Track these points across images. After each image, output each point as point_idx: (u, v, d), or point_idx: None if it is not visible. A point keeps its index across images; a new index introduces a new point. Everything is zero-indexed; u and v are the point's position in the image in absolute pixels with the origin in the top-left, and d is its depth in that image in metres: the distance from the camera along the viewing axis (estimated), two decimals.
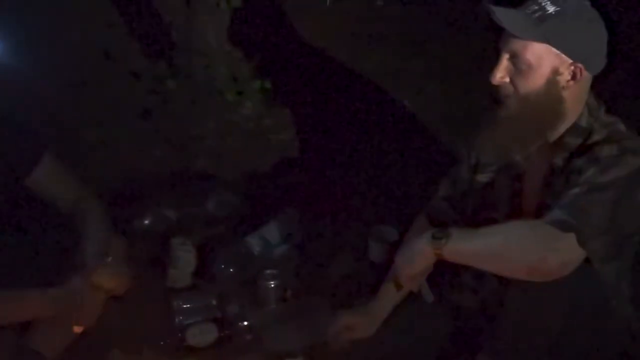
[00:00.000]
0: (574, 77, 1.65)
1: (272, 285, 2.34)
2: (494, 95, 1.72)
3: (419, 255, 1.71)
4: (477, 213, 1.93)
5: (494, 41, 1.73)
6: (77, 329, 2.04)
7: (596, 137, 1.67)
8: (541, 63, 1.64)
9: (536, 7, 1.63)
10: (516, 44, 1.65)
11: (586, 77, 1.68)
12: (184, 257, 2.39)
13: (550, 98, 1.66)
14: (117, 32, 3.53)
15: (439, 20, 3.79)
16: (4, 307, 1.88)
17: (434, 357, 2.01)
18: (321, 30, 3.73)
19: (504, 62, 1.68)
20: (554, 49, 1.63)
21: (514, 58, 1.66)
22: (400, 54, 3.67)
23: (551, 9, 1.62)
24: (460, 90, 3.38)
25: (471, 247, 1.63)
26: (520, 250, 1.56)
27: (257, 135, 3.20)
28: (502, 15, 1.62)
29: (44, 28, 3.44)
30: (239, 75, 3.28)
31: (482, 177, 1.92)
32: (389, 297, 2.04)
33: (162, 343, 2.17)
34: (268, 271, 2.37)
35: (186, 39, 3.20)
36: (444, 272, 1.96)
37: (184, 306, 2.26)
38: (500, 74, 1.68)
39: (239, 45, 3.32)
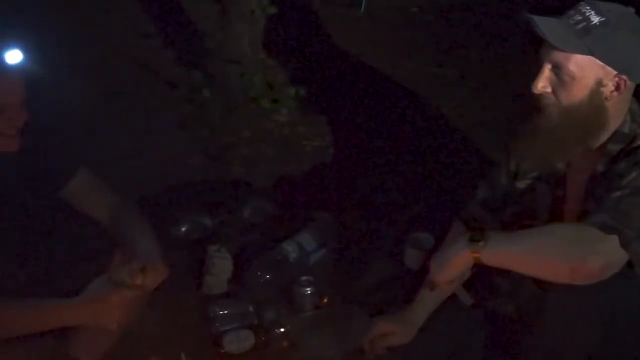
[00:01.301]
0: (617, 88, 1.63)
1: (308, 292, 2.34)
2: (533, 104, 1.71)
3: (456, 259, 1.69)
4: (516, 220, 1.91)
5: (529, 47, 1.72)
6: (114, 334, 2.05)
7: (639, 142, 1.65)
8: (584, 75, 1.62)
9: (580, 18, 1.61)
10: (559, 55, 1.62)
11: (630, 86, 1.65)
12: (220, 264, 2.40)
13: (592, 109, 1.64)
14: (153, 42, 3.58)
15: (473, 26, 3.78)
16: (20, 317, 1.86)
17: None
18: (355, 37, 3.74)
19: (546, 72, 1.65)
20: (598, 61, 1.61)
21: (557, 69, 1.64)
22: (435, 60, 3.66)
23: (596, 19, 1.59)
24: (496, 96, 3.36)
25: (511, 249, 1.61)
26: (562, 251, 1.54)
27: (291, 142, 3.20)
28: (544, 26, 1.60)
29: (82, 39, 3.50)
30: (274, 82, 3.30)
31: (522, 184, 1.90)
32: (425, 304, 2.04)
33: (199, 350, 2.18)
34: (304, 278, 2.37)
35: (221, 48, 3.22)
36: (480, 278, 1.95)
37: (221, 313, 2.27)
38: (542, 84, 1.66)
39: (274, 52, 3.33)
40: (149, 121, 3.25)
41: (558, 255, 1.55)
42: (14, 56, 1.85)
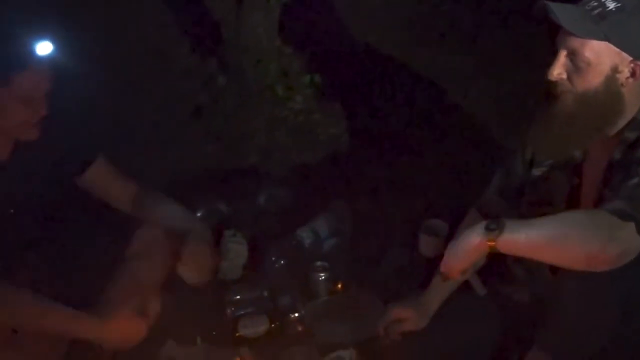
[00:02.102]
0: (633, 74, 1.61)
1: (323, 278, 2.34)
2: (549, 91, 1.69)
3: (471, 247, 1.67)
4: (532, 208, 1.89)
5: (544, 36, 1.70)
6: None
7: None
8: (600, 61, 1.60)
9: (596, 4, 1.59)
10: (575, 42, 1.61)
11: None
12: (236, 250, 2.41)
13: (608, 95, 1.63)
14: (169, 32, 3.58)
15: (489, 16, 3.75)
16: (32, 316, 1.87)
17: (485, 350, 1.99)
18: (371, 25, 3.72)
19: (562, 58, 1.64)
20: (613, 47, 1.59)
21: (572, 55, 1.62)
22: (451, 49, 3.64)
23: (611, 5, 1.58)
24: (511, 86, 3.34)
25: (527, 237, 1.59)
26: (579, 238, 1.52)
27: (306, 130, 3.20)
28: (560, 12, 1.58)
29: (99, 29, 3.50)
30: (289, 70, 3.29)
31: (538, 172, 1.88)
32: (439, 291, 2.03)
33: (214, 333, 2.19)
34: (318, 264, 2.38)
35: (236, 36, 3.21)
36: (495, 265, 1.94)
37: (236, 298, 2.28)
38: (558, 71, 1.65)
39: (289, 40, 3.33)
40: (165, 109, 3.25)
41: (574, 242, 1.53)
42: (44, 48, 1.86)
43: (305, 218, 2.61)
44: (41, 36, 1.85)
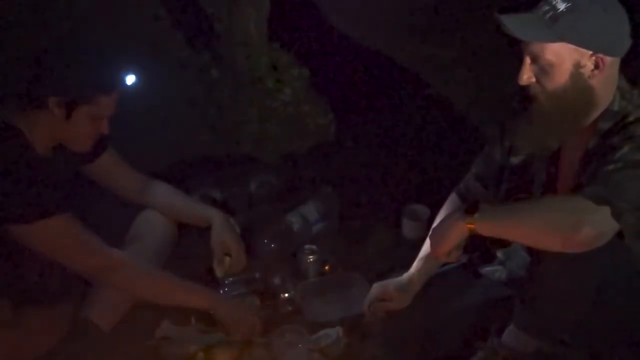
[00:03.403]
0: (597, 66, 1.62)
1: (311, 260, 2.35)
2: (525, 94, 1.70)
3: (452, 231, 1.69)
4: (510, 195, 1.90)
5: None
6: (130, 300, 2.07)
7: (631, 119, 1.64)
8: (562, 60, 1.61)
9: (547, 7, 1.58)
10: (534, 47, 1.62)
11: (612, 62, 1.64)
12: None
13: (578, 90, 1.63)
14: (164, 24, 3.55)
15: (469, 9, 3.74)
16: (168, 286, 2.01)
17: (466, 327, 2.00)
18: (355, 20, 3.71)
19: (527, 63, 1.65)
20: (570, 45, 1.59)
21: (536, 59, 1.63)
22: (433, 42, 3.64)
23: (562, 6, 1.57)
24: (490, 76, 3.34)
25: (505, 219, 1.61)
26: (555, 221, 1.53)
27: (296, 120, 3.19)
28: (512, 23, 1.59)
29: (95, 21, 3.47)
30: (279, 64, 3.28)
31: (516, 159, 1.90)
32: (421, 271, 2.04)
33: (208, 314, 2.18)
34: (307, 246, 2.38)
35: (228, 30, 3.19)
36: (475, 246, 1.95)
37: (229, 279, 2.28)
38: (526, 75, 1.66)
39: (279, 35, 3.31)
40: (160, 100, 3.23)
41: (551, 225, 1.54)
42: (130, 77, 1.94)
43: (294, 203, 2.61)
44: (130, 64, 1.93)
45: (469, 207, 1.66)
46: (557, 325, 1.77)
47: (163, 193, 2.26)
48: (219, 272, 2.22)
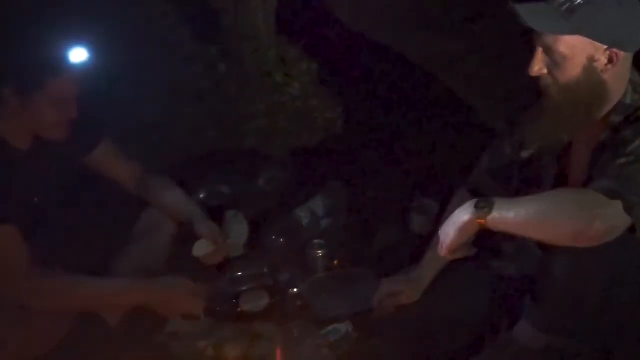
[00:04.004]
0: (610, 61, 1.60)
1: (320, 255, 2.34)
2: (536, 86, 1.68)
3: (462, 226, 1.67)
4: (521, 189, 1.89)
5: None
6: None
7: None
8: (575, 53, 1.59)
9: None
10: (548, 39, 1.60)
11: (625, 56, 1.62)
12: (237, 229, 2.40)
13: (590, 84, 1.61)
14: (171, 20, 3.55)
15: (477, 1, 3.73)
16: (97, 294, 1.93)
17: (476, 323, 1.99)
18: (364, 14, 3.69)
19: (539, 55, 1.63)
20: (585, 38, 1.57)
21: (548, 51, 1.61)
22: (442, 34, 3.62)
23: None
24: (499, 69, 3.32)
25: (516, 214, 1.58)
26: (567, 215, 1.52)
27: (304, 114, 3.18)
28: (528, 14, 1.56)
29: (104, 17, 3.46)
30: (287, 57, 3.27)
31: (526, 153, 1.87)
32: (431, 266, 2.04)
33: (217, 309, 2.18)
34: (316, 241, 2.38)
35: (236, 24, 3.19)
36: (485, 241, 1.92)
37: (238, 274, 2.27)
38: (537, 67, 1.64)
39: (287, 28, 3.30)
40: (168, 94, 3.22)
41: (562, 219, 1.52)
42: (78, 54, 1.85)
43: (303, 198, 2.60)
44: (76, 42, 1.84)
45: (479, 202, 1.63)
46: (567, 321, 1.75)
47: (155, 187, 2.22)
48: (195, 251, 2.17)
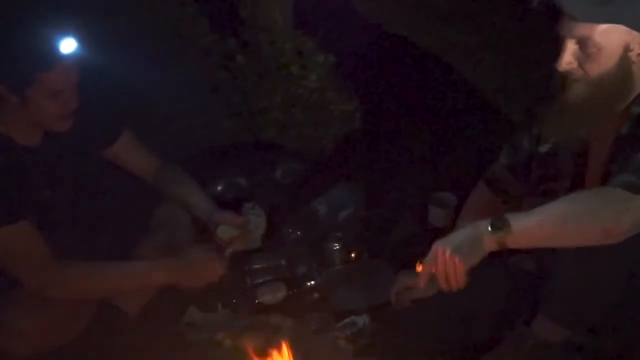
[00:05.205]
0: None
1: (337, 248, 2.34)
2: (560, 81, 1.64)
3: (480, 248, 1.57)
4: (539, 183, 1.86)
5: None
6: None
7: None
8: (611, 43, 1.55)
9: None
10: (583, 29, 1.55)
11: None
12: (255, 221, 2.39)
13: (621, 75, 1.58)
14: (189, 11, 3.55)
15: None
16: (118, 279, 1.93)
17: (493, 317, 1.99)
18: (381, 6, 3.68)
19: (571, 47, 1.58)
20: (623, 27, 1.54)
21: (582, 42, 1.57)
22: (458, 27, 3.60)
23: None
24: (517, 62, 3.29)
25: (538, 226, 1.52)
26: (593, 215, 1.48)
27: (321, 106, 3.17)
28: (566, 3, 1.53)
29: (119, 8, 3.47)
30: (304, 49, 3.26)
31: (544, 148, 1.84)
32: None
33: (234, 301, 2.19)
34: (333, 234, 2.37)
35: (253, 16, 3.18)
36: None
37: (255, 267, 2.28)
38: (568, 60, 1.59)
39: (304, 20, 3.29)
40: (185, 86, 3.23)
41: (589, 220, 1.49)
42: (70, 45, 1.83)
43: (320, 190, 2.59)
44: (66, 33, 1.82)
45: (495, 222, 1.54)
46: (586, 315, 1.74)
47: (171, 180, 2.22)
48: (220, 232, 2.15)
